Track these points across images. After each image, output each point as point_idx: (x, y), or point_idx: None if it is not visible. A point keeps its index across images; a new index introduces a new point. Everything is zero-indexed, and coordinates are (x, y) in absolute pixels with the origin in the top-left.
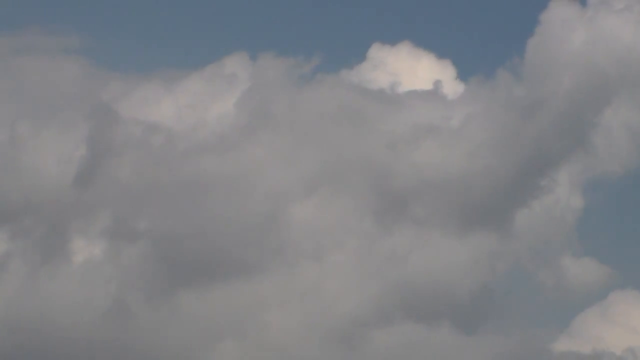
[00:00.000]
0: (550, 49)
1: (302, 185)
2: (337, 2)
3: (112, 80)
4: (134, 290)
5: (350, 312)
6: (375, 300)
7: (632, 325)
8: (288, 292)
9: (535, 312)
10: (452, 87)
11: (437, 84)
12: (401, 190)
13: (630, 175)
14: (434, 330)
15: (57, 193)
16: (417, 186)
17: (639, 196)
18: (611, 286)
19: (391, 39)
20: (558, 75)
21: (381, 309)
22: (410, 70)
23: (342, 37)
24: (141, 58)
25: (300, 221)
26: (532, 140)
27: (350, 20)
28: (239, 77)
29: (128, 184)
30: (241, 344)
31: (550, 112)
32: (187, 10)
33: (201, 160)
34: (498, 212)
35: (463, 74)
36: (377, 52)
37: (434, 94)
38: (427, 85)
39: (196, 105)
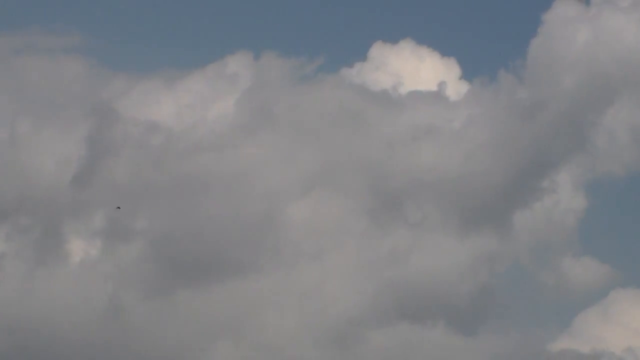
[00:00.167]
0: (553, 49)
1: (299, 186)
2: (338, 2)
3: (113, 79)
4: (131, 290)
5: (348, 313)
6: (372, 301)
7: (632, 325)
8: (284, 292)
9: (535, 312)
10: (456, 88)
11: (442, 85)
12: (400, 191)
13: (633, 175)
14: (430, 330)
15: (55, 192)
16: (417, 187)
17: None
18: (612, 285)
19: (393, 37)
20: (561, 75)
21: (379, 309)
22: (414, 70)
23: (344, 36)
24: (143, 57)
25: (298, 221)
26: (534, 142)
27: (352, 19)
28: (241, 76)
29: (125, 183)
30: (237, 343)
31: (552, 113)
32: (191, 9)
33: (199, 160)
34: (498, 213)
35: (468, 74)
36: (379, 51)
37: (436, 96)
38: (431, 86)
39: (196, 104)
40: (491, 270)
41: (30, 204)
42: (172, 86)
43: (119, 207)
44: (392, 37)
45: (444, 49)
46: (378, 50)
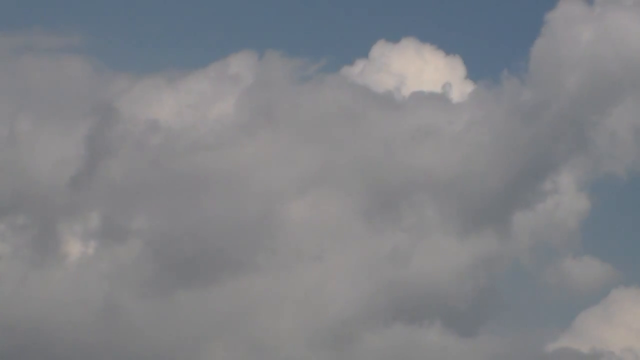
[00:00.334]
0: (556, 49)
1: (297, 186)
2: (338, 1)
3: (115, 79)
4: (128, 290)
5: (347, 313)
6: (371, 302)
7: (633, 325)
8: (281, 293)
9: (535, 312)
10: (461, 88)
11: (446, 86)
12: (400, 192)
13: (636, 176)
14: (429, 331)
15: (52, 192)
16: (417, 188)
17: None
18: (613, 284)
19: (395, 36)
20: (564, 76)
21: (378, 310)
22: (418, 70)
23: (345, 34)
24: (146, 57)
25: (296, 221)
26: (536, 143)
27: (354, 18)
28: (243, 76)
29: (123, 183)
30: (233, 344)
31: (555, 114)
32: (193, 9)
33: (198, 159)
34: (500, 214)
35: (473, 73)
36: (382, 50)
37: (440, 98)
38: (436, 86)
39: (197, 104)
40: (492, 271)
41: (28, 203)
42: (174, 86)
43: None
44: (395, 36)
45: (448, 47)
46: (380, 50)
